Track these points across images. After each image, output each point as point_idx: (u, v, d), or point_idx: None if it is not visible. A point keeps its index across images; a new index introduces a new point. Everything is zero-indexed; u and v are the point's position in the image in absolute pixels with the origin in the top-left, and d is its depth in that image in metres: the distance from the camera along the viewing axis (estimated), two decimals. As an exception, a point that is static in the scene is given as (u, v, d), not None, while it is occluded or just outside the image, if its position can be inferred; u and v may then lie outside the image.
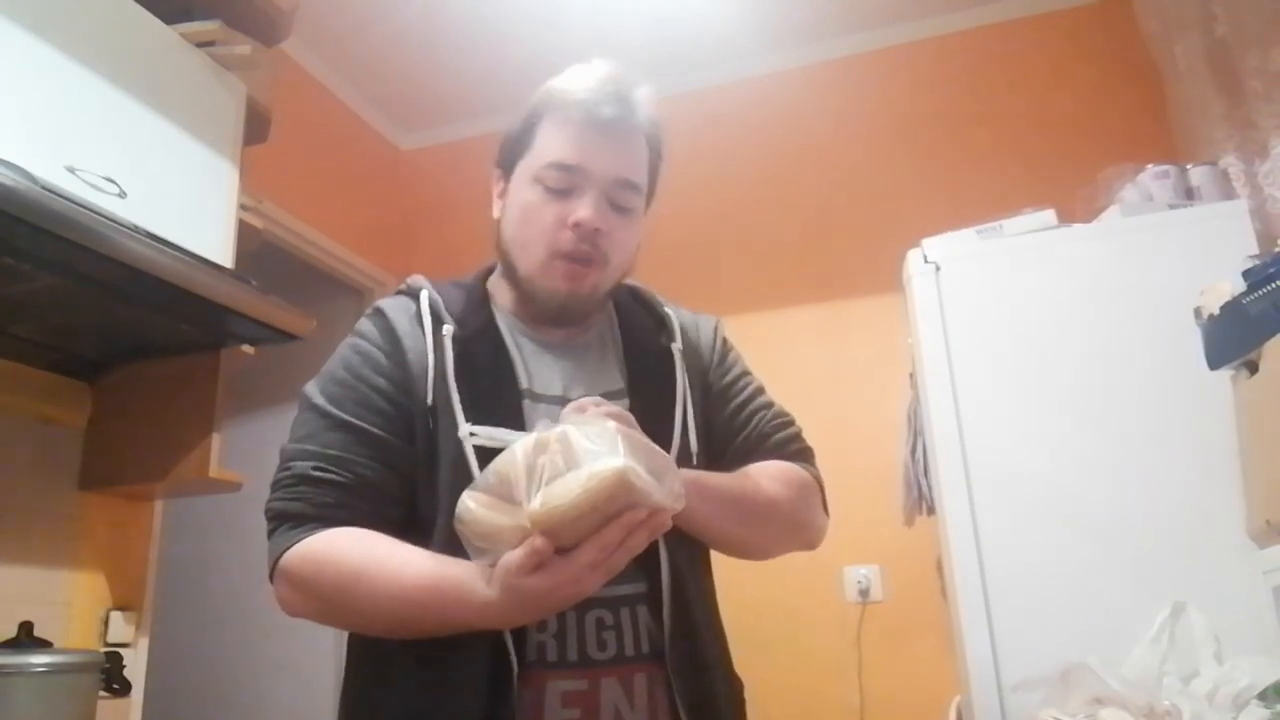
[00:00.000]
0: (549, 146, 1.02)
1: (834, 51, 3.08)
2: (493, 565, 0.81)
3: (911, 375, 2.05)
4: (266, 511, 0.96)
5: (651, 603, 0.96)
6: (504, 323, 1.06)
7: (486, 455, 0.90)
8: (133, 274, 1.43)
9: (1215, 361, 1.57)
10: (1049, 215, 1.90)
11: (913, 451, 2.12)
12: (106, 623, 1.85)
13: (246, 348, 1.84)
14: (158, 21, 1.72)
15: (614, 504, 0.76)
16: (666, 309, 1.15)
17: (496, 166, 1.09)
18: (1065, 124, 2.76)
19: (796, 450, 1.12)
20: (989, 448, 1.76)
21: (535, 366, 1.03)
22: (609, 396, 1.01)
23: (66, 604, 1.79)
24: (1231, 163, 2.02)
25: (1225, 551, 1.56)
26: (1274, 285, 1.43)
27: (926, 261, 1.90)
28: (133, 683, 1.85)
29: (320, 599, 0.92)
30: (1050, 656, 1.51)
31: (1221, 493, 1.59)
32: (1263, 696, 1.33)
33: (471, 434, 0.94)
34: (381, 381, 0.98)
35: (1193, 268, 1.66)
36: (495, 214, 1.08)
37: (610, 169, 1.01)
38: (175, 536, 2.22)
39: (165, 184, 1.68)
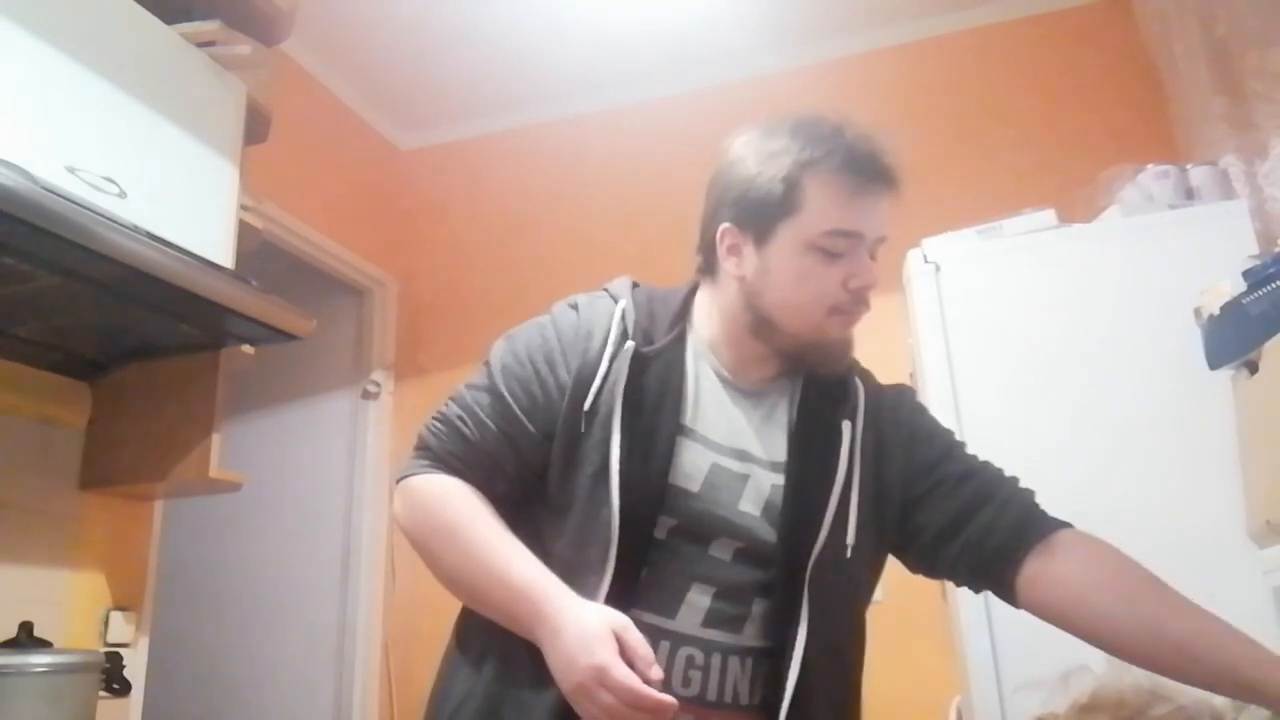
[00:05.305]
0: (826, 212, 1.01)
1: (834, 51, 3.08)
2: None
3: (911, 375, 2.05)
4: (420, 432, 1.09)
5: (759, 660, 1.00)
6: (693, 351, 1.08)
7: (628, 473, 0.96)
8: (133, 274, 1.43)
9: (1215, 361, 1.57)
10: (1049, 215, 1.89)
11: (913, 451, 2.11)
12: (106, 623, 1.85)
13: (246, 348, 1.84)
14: (158, 21, 1.72)
15: None
16: (855, 379, 1.16)
17: (733, 224, 1.05)
18: (1065, 124, 2.75)
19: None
20: (989, 448, 1.74)
21: (706, 404, 1.05)
22: (766, 467, 1.04)
23: (66, 604, 1.79)
24: (1231, 163, 2.02)
25: (1225, 551, 1.56)
26: (1274, 285, 1.43)
27: (926, 261, 1.90)
28: (133, 683, 1.85)
29: (419, 526, 1.04)
30: (1050, 657, 1.51)
31: (1221, 493, 1.58)
32: (1263, 696, 1.32)
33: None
34: (547, 372, 1.04)
35: (1193, 268, 1.66)
36: (737, 271, 1.06)
37: (879, 230, 1.05)
38: (175, 536, 2.22)
39: (165, 184, 1.68)
